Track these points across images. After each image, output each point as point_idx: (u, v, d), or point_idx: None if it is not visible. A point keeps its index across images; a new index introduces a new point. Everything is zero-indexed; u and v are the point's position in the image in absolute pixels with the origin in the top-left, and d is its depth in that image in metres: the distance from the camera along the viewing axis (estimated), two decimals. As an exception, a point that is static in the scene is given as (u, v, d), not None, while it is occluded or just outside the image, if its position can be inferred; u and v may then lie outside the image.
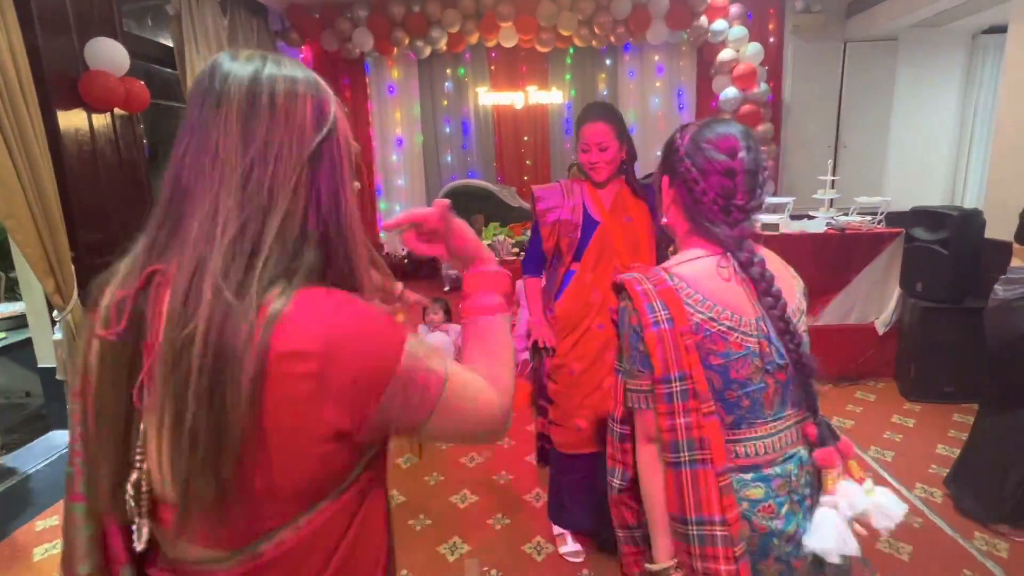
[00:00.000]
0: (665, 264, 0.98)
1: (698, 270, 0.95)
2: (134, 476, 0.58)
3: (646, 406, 0.94)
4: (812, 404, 0.97)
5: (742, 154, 0.94)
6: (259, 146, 0.57)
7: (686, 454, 0.89)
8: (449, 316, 3.61)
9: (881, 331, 3.64)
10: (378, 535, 0.70)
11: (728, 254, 0.95)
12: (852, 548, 0.90)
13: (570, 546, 2.16)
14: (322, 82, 0.63)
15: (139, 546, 0.59)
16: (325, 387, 0.54)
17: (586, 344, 1.94)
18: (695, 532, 0.88)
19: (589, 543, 2.17)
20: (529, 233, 2.09)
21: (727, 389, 0.92)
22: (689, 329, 0.90)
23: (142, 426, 0.58)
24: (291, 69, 0.61)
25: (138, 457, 0.58)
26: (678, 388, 0.89)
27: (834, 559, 0.89)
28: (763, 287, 0.93)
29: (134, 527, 0.59)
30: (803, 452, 0.97)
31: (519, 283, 2.15)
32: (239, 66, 0.59)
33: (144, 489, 0.58)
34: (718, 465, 0.89)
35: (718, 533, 0.87)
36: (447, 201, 0.72)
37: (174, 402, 0.53)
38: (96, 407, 0.59)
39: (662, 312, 0.90)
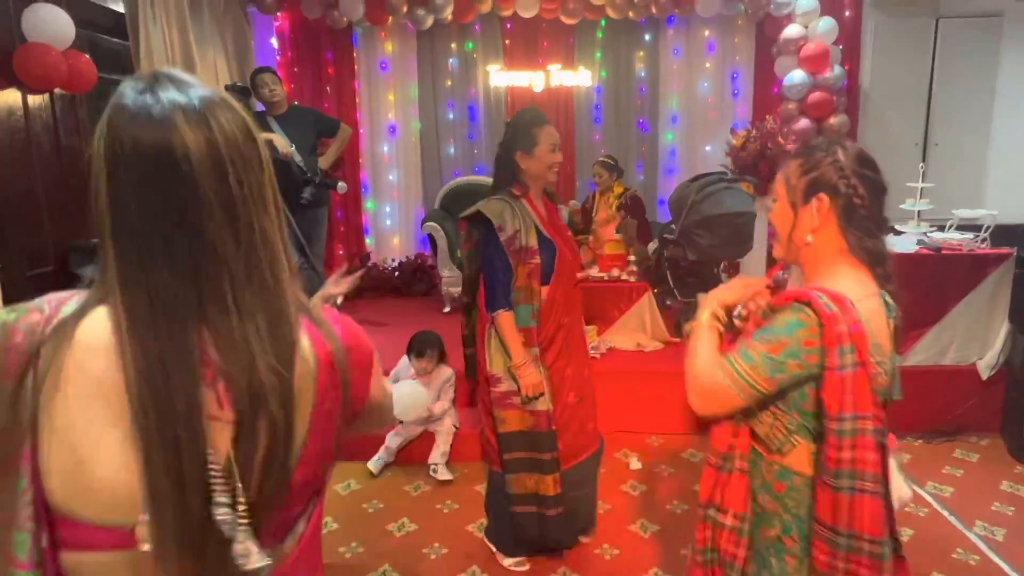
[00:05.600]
0: (845, 293, 1.18)
1: (873, 310, 1.20)
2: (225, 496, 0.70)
3: (744, 397, 1.22)
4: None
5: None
6: None
7: (846, 481, 1.14)
8: (443, 358, 3.55)
9: (985, 375, 3.61)
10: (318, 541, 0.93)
11: (883, 292, 1.25)
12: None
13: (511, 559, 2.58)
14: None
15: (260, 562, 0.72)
16: None
17: (554, 366, 2.36)
18: (844, 543, 1.16)
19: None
20: (469, 257, 2.43)
21: None
22: (872, 374, 1.14)
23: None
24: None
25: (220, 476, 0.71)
26: (849, 427, 1.13)
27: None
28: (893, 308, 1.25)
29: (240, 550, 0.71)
30: None
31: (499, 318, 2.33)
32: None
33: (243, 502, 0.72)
34: (878, 497, 1.14)
35: (865, 548, 1.15)
36: None
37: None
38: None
39: (849, 356, 1.12)
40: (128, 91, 0.71)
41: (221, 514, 0.69)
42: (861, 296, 1.19)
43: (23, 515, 0.68)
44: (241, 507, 0.70)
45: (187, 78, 0.74)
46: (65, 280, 3.17)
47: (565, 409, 2.40)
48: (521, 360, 2.25)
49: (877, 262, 1.26)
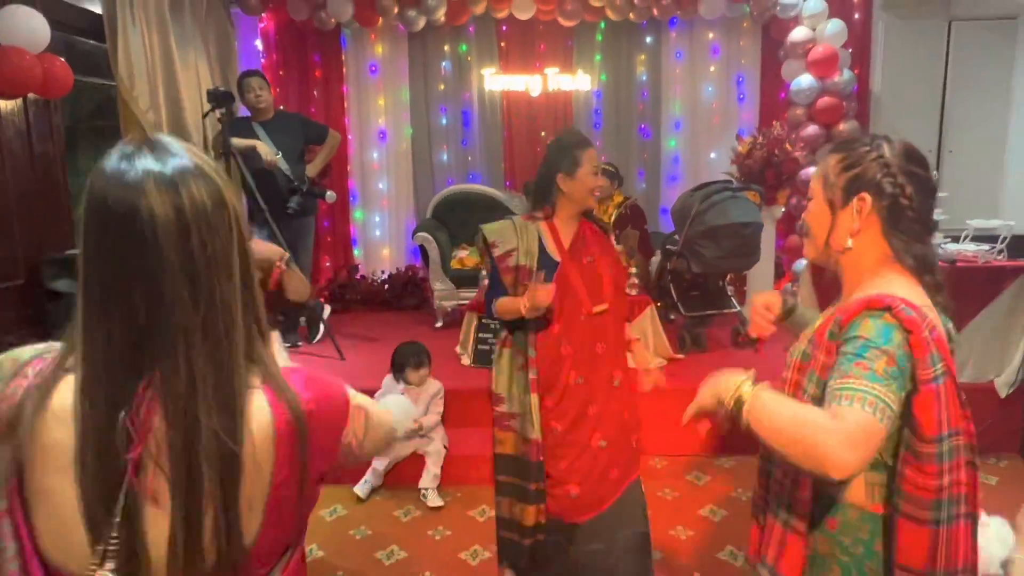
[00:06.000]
0: (913, 301, 1.10)
1: (937, 324, 1.13)
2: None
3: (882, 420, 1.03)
4: None
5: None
6: None
7: (945, 511, 1.06)
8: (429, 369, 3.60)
9: (1003, 393, 3.61)
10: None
11: (937, 307, 1.17)
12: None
13: None
14: None
15: None
16: None
17: (567, 401, 2.27)
18: None
19: None
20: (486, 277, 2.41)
21: None
22: (958, 382, 1.08)
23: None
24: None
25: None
26: (947, 447, 1.05)
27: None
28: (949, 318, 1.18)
29: None
30: None
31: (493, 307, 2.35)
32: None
33: None
34: (972, 520, 1.09)
35: None
36: None
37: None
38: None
39: (940, 365, 1.05)
40: (112, 156, 0.78)
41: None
42: (924, 303, 1.12)
43: (6, 571, 0.76)
44: None
45: (172, 147, 0.80)
46: (36, 294, 3.16)
47: (585, 451, 2.27)
48: (518, 305, 2.15)
49: (925, 270, 1.18)
